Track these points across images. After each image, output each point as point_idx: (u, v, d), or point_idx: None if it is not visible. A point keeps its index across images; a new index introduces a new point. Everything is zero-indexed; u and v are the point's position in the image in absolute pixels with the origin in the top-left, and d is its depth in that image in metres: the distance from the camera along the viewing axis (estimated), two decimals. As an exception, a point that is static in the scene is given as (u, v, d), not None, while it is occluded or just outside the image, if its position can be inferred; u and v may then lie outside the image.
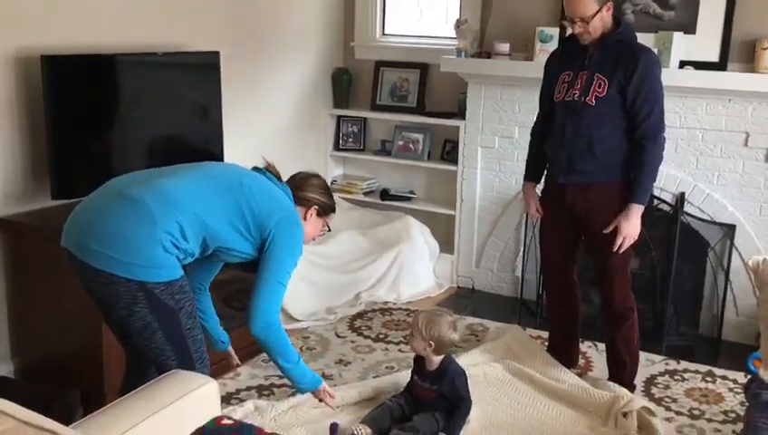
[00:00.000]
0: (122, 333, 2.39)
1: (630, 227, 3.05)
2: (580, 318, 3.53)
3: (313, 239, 2.72)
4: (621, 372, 3.31)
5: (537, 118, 3.42)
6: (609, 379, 3.34)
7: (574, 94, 3.09)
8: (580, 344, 3.67)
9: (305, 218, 2.60)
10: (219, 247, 2.39)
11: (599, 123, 3.05)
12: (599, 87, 3.03)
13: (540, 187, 3.48)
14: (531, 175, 3.47)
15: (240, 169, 2.53)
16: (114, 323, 2.38)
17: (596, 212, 3.12)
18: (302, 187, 2.63)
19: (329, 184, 5.03)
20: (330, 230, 2.81)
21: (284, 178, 2.65)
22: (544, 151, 3.34)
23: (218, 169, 2.50)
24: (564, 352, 3.55)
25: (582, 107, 3.06)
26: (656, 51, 3.85)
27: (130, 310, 2.25)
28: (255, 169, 2.57)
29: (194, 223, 2.28)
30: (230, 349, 2.88)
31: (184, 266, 2.35)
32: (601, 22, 2.99)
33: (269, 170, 2.58)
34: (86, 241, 2.23)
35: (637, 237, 3.10)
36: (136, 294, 2.22)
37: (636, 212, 3.05)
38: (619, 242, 3.06)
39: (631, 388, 3.30)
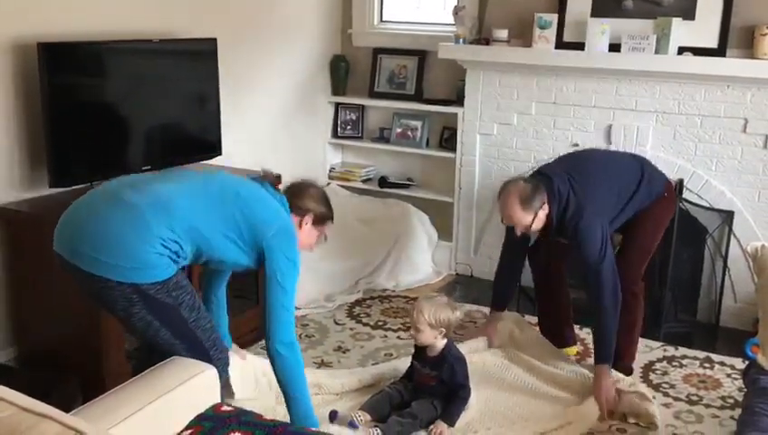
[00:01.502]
0: (128, 330, 2.39)
1: (605, 392, 3.02)
2: (569, 299, 3.60)
3: (310, 249, 2.68)
4: (620, 355, 3.29)
5: (504, 255, 3.51)
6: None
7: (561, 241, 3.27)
8: (580, 331, 3.69)
9: (300, 227, 2.56)
10: (212, 258, 2.38)
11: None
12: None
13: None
14: (498, 305, 3.58)
15: (236, 178, 2.50)
16: (118, 321, 2.38)
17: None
18: (298, 195, 2.60)
19: (327, 171, 5.10)
20: (326, 240, 2.74)
21: (284, 183, 2.64)
22: (511, 286, 3.56)
23: (215, 179, 2.46)
24: (558, 334, 3.58)
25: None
26: (654, 37, 3.86)
27: (128, 312, 2.24)
28: (253, 178, 2.55)
29: (188, 232, 2.26)
30: (232, 348, 2.86)
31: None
32: (540, 221, 3.10)
33: (266, 180, 2.56)
34: (77, 245, 2.22)
35: (613, 396, 3.03)
36: (131, 297, 2.21)
37: (604, 374, 3.04)
38: (604, 409, 3.01)
39: (628, 372, 3.31)
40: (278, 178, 2.59)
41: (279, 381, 2.48)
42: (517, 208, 3.06)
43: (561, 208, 3.10)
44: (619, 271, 3.19)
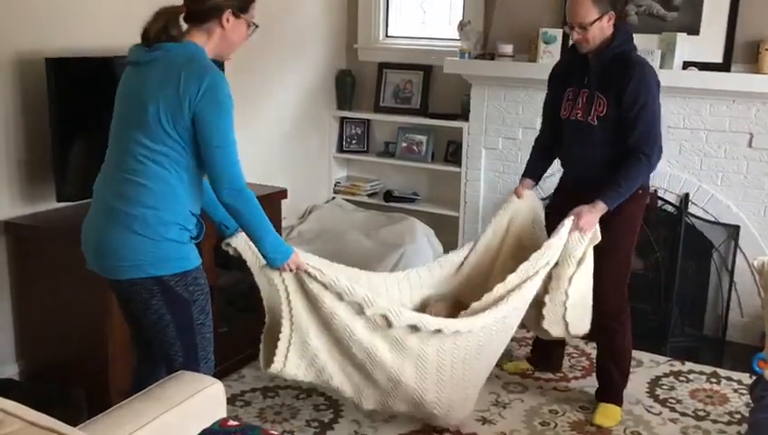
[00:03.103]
0: (138, 327, 2.43)
1: (587, 219, 2.93)
2: None
3: (244, 41, 2.38)
4: (608, 383, 3.21)
5: (541, 129, 3.39)
6: (598, 389, 3.26)
7: (577, 114, 3.05)
8: (584, 347, 3.67)
9: (223, 27, 2.28)
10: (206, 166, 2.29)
11: (603, 143, 3.00)
12: (599, 106, 2.98)
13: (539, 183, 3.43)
14: (527, 173, 3.36)
15: (133, 91, 2.32)
16: (131, 319, 2.44)
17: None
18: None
19: (332, 185, 5.11)
20: (257, 26, 2.39)
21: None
22: (544, 162, 3.35)
23: (134, 117, 2.29)
24: (545, 356, 3.54)
25: (586, 127, 3.02)
26: (659, 52, 3.86)
27: (147, 304, 2.29)
28: (143, 48, 2.31)
29: (182, 185, 2.26)
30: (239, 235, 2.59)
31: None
32: (600, 32, 2.93)
33: (147, 39, 2.31)
34: (100, 261, 2.31)
35: (586, 229, 2.94)
36: (152, 288, 2.27)
37: (599, 210, 2.93)
38: (570, 220, 2.94)
39: (619, 402, 3.19)
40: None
41: (241, 227, 2.41)
42: None
43: (626, 47, 2.97)
44: (600, 298, 3.06)
